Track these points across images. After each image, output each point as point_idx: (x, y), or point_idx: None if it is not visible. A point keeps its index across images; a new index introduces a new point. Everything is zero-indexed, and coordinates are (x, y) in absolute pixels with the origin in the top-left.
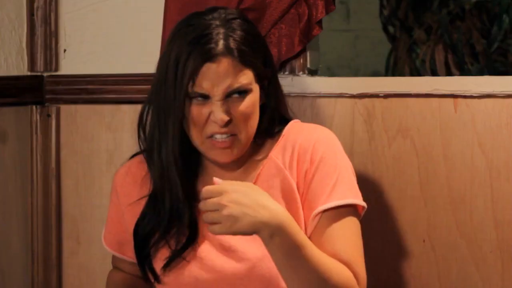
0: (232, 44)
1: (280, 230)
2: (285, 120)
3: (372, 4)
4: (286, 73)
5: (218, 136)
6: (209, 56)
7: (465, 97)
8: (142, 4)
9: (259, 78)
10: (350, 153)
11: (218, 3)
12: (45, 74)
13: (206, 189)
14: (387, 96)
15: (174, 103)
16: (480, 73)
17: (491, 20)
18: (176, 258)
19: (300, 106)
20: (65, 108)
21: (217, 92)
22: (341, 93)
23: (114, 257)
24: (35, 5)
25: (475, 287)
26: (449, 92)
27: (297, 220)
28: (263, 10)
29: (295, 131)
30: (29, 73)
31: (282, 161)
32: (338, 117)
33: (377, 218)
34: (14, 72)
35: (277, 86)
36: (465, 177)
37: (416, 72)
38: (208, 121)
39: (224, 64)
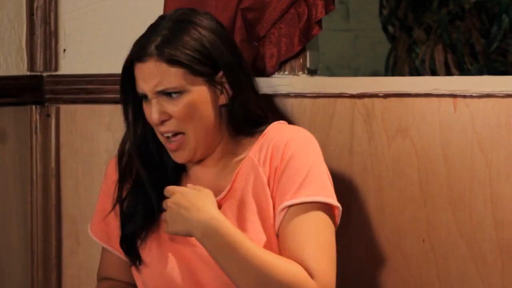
0: (166, 46)
1: (211, 231)
2: (268, 120)
3: (371, 4)
4: (286, 72)
5: (166, 135)
6: (138, 56)
7: (464, 97)
8: (142, 4)
9: (208, 80)
10: (350, 153)
11: (217, 3)
12: (44, 74)
13: (165, 189)
14: (386, 96)
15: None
16: (480, 73)
17: (491, 20)
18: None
19: (299, 106)
20: (64, 108)
21: (148, 92)
22: (340, 93)
23: (100, 266)
24: (35, 4)
25: (475, 287)
26: (448, 92)
27: (267, 215)
28: (263, 9)
29: (275, 131)
30: (28, 73)
31: (258, 159)
32: (338, 117)
33: (377, 218)
34: (13, 72)
35: (242, 87)
36: (464, 176)
37: (415, 72)
38: None
39: (149, 64)
